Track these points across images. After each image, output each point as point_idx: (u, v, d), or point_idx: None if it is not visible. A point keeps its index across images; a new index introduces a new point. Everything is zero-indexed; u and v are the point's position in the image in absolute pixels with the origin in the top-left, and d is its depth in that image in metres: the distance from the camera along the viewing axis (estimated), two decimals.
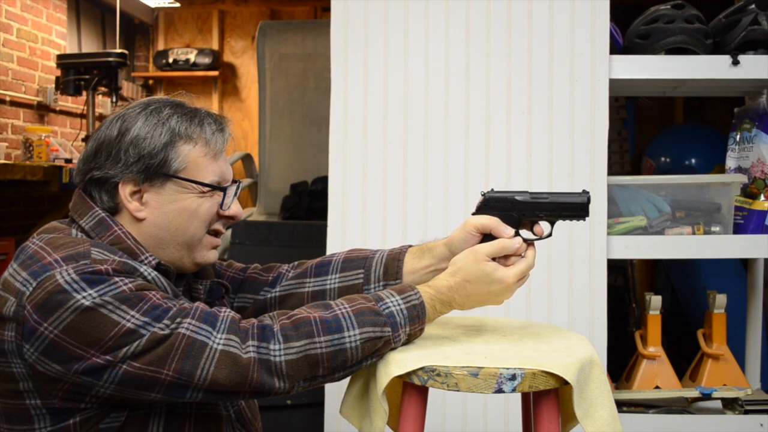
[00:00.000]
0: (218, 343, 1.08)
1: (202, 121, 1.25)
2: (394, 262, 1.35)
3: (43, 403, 1.10)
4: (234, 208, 1.28)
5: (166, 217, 1.22)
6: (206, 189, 1.23)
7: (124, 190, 1.21)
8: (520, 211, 1.27)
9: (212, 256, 1.29)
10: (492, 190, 1.29)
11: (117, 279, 1.08)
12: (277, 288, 1.41)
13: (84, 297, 1.05)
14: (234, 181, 1.30)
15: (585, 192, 1.27)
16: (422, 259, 1.34)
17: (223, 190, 1.26)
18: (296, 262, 1.46)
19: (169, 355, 1.06)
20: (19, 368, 1.09)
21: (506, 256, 1.24)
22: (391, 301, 1.17)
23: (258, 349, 1.10)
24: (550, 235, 1.29)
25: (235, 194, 1.30)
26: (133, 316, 1.06)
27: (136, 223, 1.22)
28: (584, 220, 1.28)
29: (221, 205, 1.26)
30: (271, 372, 1.09)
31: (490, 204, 1.27)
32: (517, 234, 1.26)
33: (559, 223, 1.29)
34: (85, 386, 1.07)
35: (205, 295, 1.32)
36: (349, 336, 1.13)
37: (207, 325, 1.09)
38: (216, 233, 1.28)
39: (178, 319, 1.08)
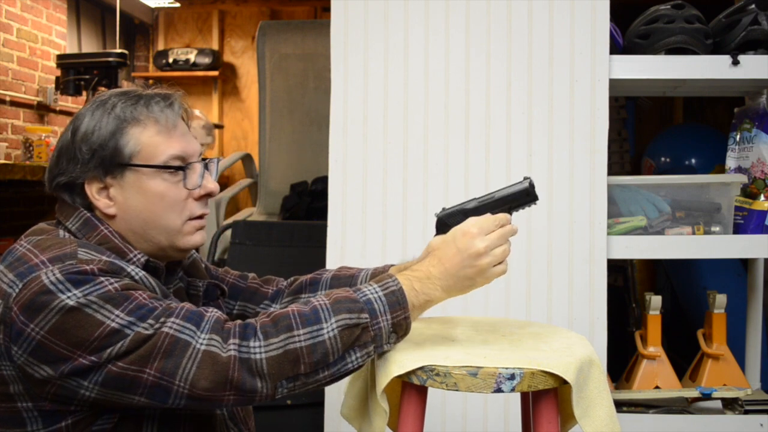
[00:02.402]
0: (201, 343, 1.07)
1: (148, 101, 1.22)
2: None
3: (35, 405, 1.09)
4: (208, 185, 1.24)
5: (133, 210, 1.20)
6: (165, 171, 1.20)
7: (91, 189, 1.20)
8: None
9: (198, 238, 1.25)
10: (443, 209, 1.31)
11: (102, 279, 1.07)
12: (276, 305, 1.44)
13: (68, 297, 1.04)
14: (206, 159, 1.26)
15: (526, 178, 1.29)
16: None
17: (183, 168, 1.21)
18: (291, 278, 1.49)
19: (151, 355, 1.05)
20: (9, 371, 1.08)
21: None
22: (369, 290, 1.15)
23: (239, 347, 1.07)
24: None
25: (205, 170, 1.25)
26: (117, 316, 1.05)
27: (111, 221, 1.20)
28: (536, 203, 1.30)
29: (185, 184, 1.21)
30: (252, 372, 1.07)
31: (445, 222, 1.30)
32: None
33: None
34: (71, 389, 1.06)
35: (202, 293, 1.32)
36: (327, 326, 1.10)
37: (191, 324, 1.08)
38: (198, 216, 1.24)
39: (162, 319, 1.07)
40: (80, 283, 1.05)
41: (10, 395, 1.10)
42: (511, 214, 1.28)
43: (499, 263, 1.20)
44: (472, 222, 1.21)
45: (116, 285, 1.07)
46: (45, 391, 1.07)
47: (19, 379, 1.08)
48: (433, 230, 1.31)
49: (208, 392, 1.06)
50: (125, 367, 1.04)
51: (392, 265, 1.42)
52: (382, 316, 1.13)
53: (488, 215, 1.23)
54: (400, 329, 1.15)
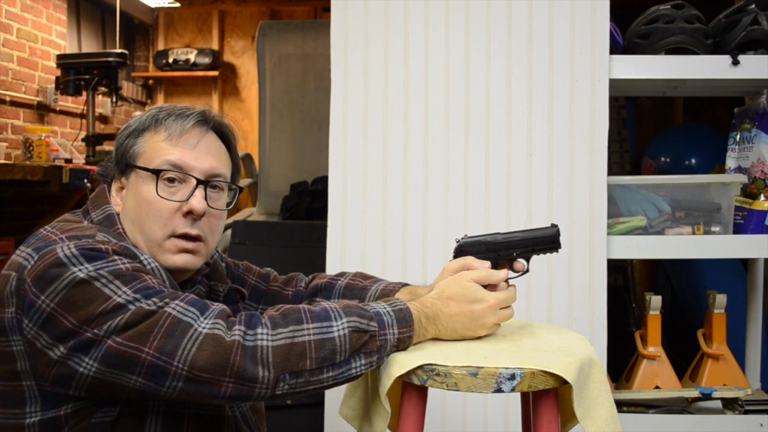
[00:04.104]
0: (204, 327, 1.05)
1: (173, 112, 1.25)
2: (384, 297, 1.39)
3: (37, 384, 1.09)
4: (192, 201, 1.20)
5: (127, 211, 1.23)
6: (153, 174, 1.19)
7: (115, 187, 1.26)
8: (495, 252, 1.31)
9: (179, 260, 1.21)
10: (465, 236, 1.34)
11: (116, 257, 1.09)
12: None
13: (80, 269, 1.06)
14: (201, 181, 1.22)
15: (554, 225, 1.32)
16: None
17: (157, 172, 1.19)
18: (310, 277, 1.51)
19: (152, 332, 1.04)
20: (19, 346, 1.09)
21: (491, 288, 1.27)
22: (377, 305, 1.18)
23: (244, 334, 1.06)
24: (527, 270, 1.34)
25: (205, 190, 1.22)
26: (124, 292, 1.06)
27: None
28: (557, 251, 1.33)
29: (158, 190, 1.19)
30: (256, 359, 1.05)
31: (465, 249, 1.33)
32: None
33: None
34: (72, 367, 1.05)
35: (222, 298, 1.33)
36: (337, 325, 1.11)
37: (195, 309, 1.08)
38: (182, 235, 1.20)
39: (167, 300, 1.07)
40: (93, 258, 1.08)
41: (17, 373, 1.10)
42: (529, 258, 1.32)
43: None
44: (494, 295, 1.24)
45: (128, 265, 1.09)
46: (49, 371, 1.07)
47: (27, 354, 1.09)
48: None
49: (207, 373, 1.04)
50: (124, 342, 1.04)
51: (406, 284, 1.43)
52: (390, 328, 1.15)
53: (513, 287, 1.28)
54: (402, 345, 1.17)
